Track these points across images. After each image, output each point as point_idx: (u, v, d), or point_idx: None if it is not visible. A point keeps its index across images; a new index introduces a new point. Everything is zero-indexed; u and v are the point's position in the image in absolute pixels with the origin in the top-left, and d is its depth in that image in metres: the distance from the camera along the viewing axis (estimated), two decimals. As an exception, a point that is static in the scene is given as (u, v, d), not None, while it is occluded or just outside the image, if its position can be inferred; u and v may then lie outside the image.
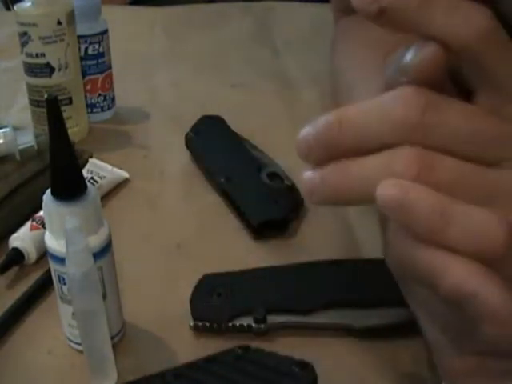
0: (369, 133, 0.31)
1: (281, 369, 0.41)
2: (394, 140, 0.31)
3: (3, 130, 0.67)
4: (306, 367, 0.41)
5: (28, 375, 0.47)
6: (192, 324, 0.49)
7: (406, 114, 0.30)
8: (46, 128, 0.42)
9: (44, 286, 0.54)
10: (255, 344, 0.45)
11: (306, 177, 0.33)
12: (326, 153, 0.33)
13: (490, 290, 0.29)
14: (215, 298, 0.50)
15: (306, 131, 0.34)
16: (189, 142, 0.72)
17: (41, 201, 0.44)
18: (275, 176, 0.65)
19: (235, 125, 0.73)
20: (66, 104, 0.73)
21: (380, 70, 0.58)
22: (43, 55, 0.70)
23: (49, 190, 0.44)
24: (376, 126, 0.31)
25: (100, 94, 0.79)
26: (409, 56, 0.32)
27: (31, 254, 0.56)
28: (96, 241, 0.45)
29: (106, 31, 0.77)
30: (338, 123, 0.32)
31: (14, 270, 0.56)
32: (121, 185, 0.68)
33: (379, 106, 0.31)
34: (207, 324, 0.49)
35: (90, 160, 0.69)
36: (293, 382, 0.39)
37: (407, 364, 0.46)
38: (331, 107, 0.33)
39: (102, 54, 0.77)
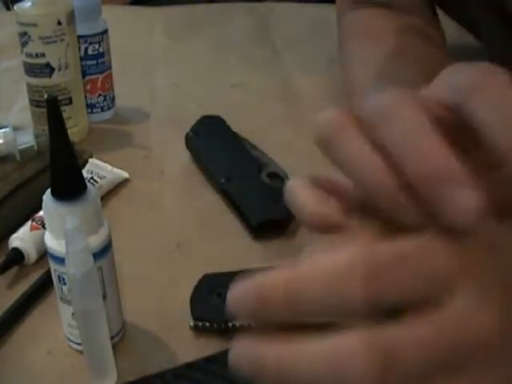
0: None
1: None
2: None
3: (3, 130, 0.67)
4: None
5: (28, 375, 0.47)
6: (192, 324, 0.49)
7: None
8: (46, 128, 0.42)
9: (44, 285, 0.54)
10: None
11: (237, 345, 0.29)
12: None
13: None
14: (215, 298, 0.50)
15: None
16: (189, 142, 0.72)
17: (41, 201, 0.44)
18: (275, 176, 0.65)
19: (235, 125, 0.73)
20: (66, 104, 0.73)
21: (379, 69, 0.58)
22: (43, 55, 0.70)
23: (49, 190, 0.44)
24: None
25: (100, 94, 0.79)
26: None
27: (31, 254, 0.56)
28: (96, 241, 0.45)
29: (105, 31, 0.77)
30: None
31: (14, 270, 0.56)
32: (121, 185, 0.68)
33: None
34: (207, 324, 0.49)
35: (90, 160, 0.69)
36: None
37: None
38: (331, 106, 0.32)
39: (101, 54, 0.77)
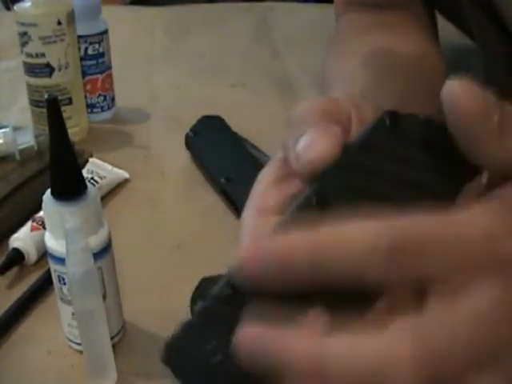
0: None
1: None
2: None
3: (3, 130, 0.67)
4: None
5: (28, 375, 0.47)
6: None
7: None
8: (46, 128, 0.42)
9: (44, 286, 0.54)
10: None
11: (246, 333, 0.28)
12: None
13: None
14: None
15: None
16: (189, 142, 0.72)
17: (41, 201, 0.44)
18: (275, 176, 0.65)
19: (235, 125, 0.73)
20: (66, 104, 0.73)
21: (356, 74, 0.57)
22: (43, 55, 0.70)
23: (49, 190, 0.44)
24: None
25: (100, 94, 0.79)
26: (301, 146, 0.32)
27: (31, 255, 0.56)
28: (96, 241, 0.45)
29: (106, 31, 0.77)
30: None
31: (14, 270, 0.56)
32: (121, 185, 0.68)
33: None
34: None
35: (90, 160, 0.69)
36: None
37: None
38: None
39: (101, 54, 0.77)
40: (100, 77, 0.78)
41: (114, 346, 0.46)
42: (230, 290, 0.29)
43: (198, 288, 0.52)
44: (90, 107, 0.79)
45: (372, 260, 0.27)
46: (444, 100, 0.29)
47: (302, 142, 0.32)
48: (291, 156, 0.33)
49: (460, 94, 0.29)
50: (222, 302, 0.29)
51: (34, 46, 0.70)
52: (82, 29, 0.75)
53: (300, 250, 0.27)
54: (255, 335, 0.27)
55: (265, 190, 0.35)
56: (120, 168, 0.69)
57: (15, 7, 0.70)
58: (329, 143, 0.31)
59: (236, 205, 0.63)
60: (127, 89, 0.84)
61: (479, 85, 0.29)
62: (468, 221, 0.27)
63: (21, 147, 0.66)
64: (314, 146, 0.32)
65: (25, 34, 0.70)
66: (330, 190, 0.30)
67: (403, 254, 0.27)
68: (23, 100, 0.77)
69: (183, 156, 0.72)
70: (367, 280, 0.27)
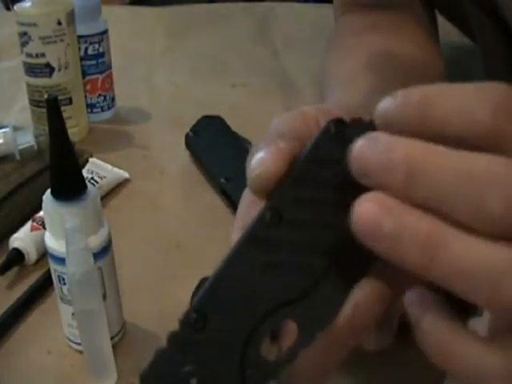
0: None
1: None
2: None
3: (3, 130, 0.67)
4: None
5: (28, 375, 0.47)
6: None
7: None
8: (46, 128, 0.42)
9: (44, 286, 0.54)
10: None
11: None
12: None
13: None
14: None
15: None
16: (189, 142, 0.72)
17: (41, 201, 0.44)
18: (275, 176, 0.65)
19: (235, 125, 0.73)
20: (66, 104, 0.73)
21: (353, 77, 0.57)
22: (43, 55, 0.70)
23: (49, 190, 0.44)
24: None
25: (100, 94, 0.79)
26: (251, 164, 0.32)
27: (31, 255, 0.56)
28: (96, 241, 0.45)
29: (106, 31, 0.77)
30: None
31: (14, 270, 0.56)
32: (121, 185, 0.68)
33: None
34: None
35: (90, 160, 0.69)
36: None
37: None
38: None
39: (101, 54, 0.77)
40: (100, 77, 0.78)
41: (114, 346, 0.46)
42: (195, 315, 0.30)
43: (197, 288, 0.51)
44: (90, 107, 0.79)
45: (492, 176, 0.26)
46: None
47: (252, 161, 0.33)
48: (247, 175, 0.34)
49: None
50: (190, 327, 0.30)
51: (34, 46, 0.70)
52: (82, 29, 0.75)
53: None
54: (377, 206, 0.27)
55: (247, 207, 0.36)
56: (120, 168, 0.69)
57: (15, 7, 0.70)
58: (275, 159, 0.32)
59: (236, 205, 0.62)
60: (127, 89, 0.85)
61: None
62: None
63: (21, 147, 0.66)
64: (260, 162, 0.32)
65: (25, 34, 0.70)
66: (282, 204, 0.30)
67: None
68: (23, 100, 0.77)
69: (183, 156, 0.72)
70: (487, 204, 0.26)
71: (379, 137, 0.28)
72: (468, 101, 0.28)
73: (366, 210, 0.27)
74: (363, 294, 0.30)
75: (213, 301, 0.31)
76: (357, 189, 0.29)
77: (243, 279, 0.31)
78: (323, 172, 0.31)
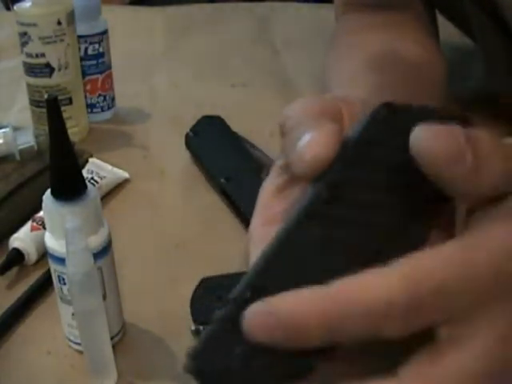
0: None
1: None
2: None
3: (3, 130, 0.67)
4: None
5: (28, 375, 0.47)
6: (193, 328, 0.49)
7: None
8: (46, 128, 0.42)
9: (44, 286, 0.54)
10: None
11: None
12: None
13: None
14: (215, 301, 0.50)
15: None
16: (189, 142, 0.72)
17: (41, 201, 0.44)
18: (275, 176, 0.65)
19: (235, 125, 0.73)
20: (66, 104, 0.73)
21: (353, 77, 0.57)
22: (43, 55, 0.70)
23: (49, 190, 0.44)
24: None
25: (100, 94, 0.79)
26: (301, 146, 0.32)
27: (31, 255, 0.56)
28: (96, 241, 0.45)
29: (105, 31, 0.77)
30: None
31: (14, 270, 0.56)
32: (121, 185, 0.68)
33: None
34: (209, 327, 0.49)
35: (90, 160, 0.69)
36: None
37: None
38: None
39: (101, 54, 0.77)
40: (100, 77, 0.78)
41: (114, 346, 0.46)
42: (249, 293, 0.29)
43: (197, 288, 0.52)
44: (90, 107, 0.79)
45: (389, 316, 0.26)
46: (413, 152, 0.29)
47: (302, 143, 0.32)
48: (293, 158, 0.33)
49: (426, 144, 0.29)
50: (242, 306, 0.28)
51: (34, 46, 0.70)
52: (82, 29, 0.75)
53: (311, 318, 0.27)
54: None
55: (269, 199, 0.35)
56: (120, 168, 0.69)
57: (15, 7, 0.70)
58: (328, 141, 0.32)
59: (236, 205, 0.63)
60: (127, 89, 0.84)
61: (448, 122, 0.30)
62: (473, 257, 0.27)
63: (21, 147, 0.66)
64: (314, 144, 0.32)
65: (25, 34, 0.70)
66: (337, 183, 0.31)
67: (421, 305, 0.27)
68: (23, 100, 0.77)
69: (183, 156, 0.72)
70: (384, 335, 0.27)
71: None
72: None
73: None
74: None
75: (269, 277, 0.29)
76: (411, 171, 0.29)
77: (301, 254, 0.30)
78: (376, 153, 0.31)
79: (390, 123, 0.31)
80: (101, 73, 0.78)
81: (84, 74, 0.76)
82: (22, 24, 0.70)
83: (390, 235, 0.30)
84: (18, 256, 0.56)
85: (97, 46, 0.77)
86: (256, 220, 0.35)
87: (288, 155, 0.34)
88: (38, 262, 0.57)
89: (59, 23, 0.70)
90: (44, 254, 0.53)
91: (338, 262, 0.30)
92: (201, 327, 0.49)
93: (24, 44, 0.70)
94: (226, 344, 0.28)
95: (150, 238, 0.61)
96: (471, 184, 0.29)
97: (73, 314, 0.46)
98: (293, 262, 0.30)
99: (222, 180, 0.65)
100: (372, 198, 0.31)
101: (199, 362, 0.28)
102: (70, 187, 0.44)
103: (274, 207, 0.34)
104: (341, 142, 0.32)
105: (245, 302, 0.28)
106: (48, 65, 0.71)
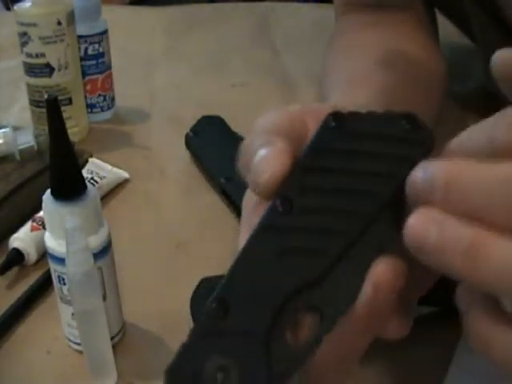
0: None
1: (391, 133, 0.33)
2: None
3: (3, 130, 0.67)
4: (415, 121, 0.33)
5: (28, 375, 0.47)
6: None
7: None
8: (46, 128, 0.42)
9: (44, 286, 0.54)
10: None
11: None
12: None
13: None
14: None
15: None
16: (189, 142, 0.72)
17: (41, 201, 0.44)
18: (275, 176, 0.65)
19: (235, 125, 0.73)
20: (66, 104, 0.73)
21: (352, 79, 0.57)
22: (43, 55, 0.70)
23: (49, 190, 0.44)
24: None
25: (100, 94, 0.79)
26: (253, 172, 0.34)
27: (31, 255, 0.56)
28: (96, 241, 0.45)
29: (105, 31, 0.77)
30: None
31: (14, 270, 0.56)
32: (121, 185, 0.68)
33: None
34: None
35: (90, 160, 0.69)
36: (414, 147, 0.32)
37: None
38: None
39: (101, 54, 0.77)
40: (100, 77, 0.78)
41: (114, 346, 0.46)
42: (216, 304, 0.31)
43: (197, 288, 0.52)
44: (90, 107, 0.79)
45: None
46: (494, 69, 0.30)
47: (255, 164, 0.34)
48: (249, 180, 0.35)
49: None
50: (212, 317, 0.31)
51: (34, 46, 0.70)
52: (82, 29, 0.75)
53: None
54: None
55: (252, 215, 0.36)
56: (120, 168, 0.69)
57: (15, 7, 0.70)
58: (279, 159, 0.33)
59: (236, 205, 0.63)
60: (127, 89, 0.85)
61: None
62: None
63: (21, 147, 0.66)
64: (266, 164, 0.33)
65: (25, 34, 0.70)
66: (291, 193, 0.32)
67: None
68: (23, 100, 0.77)
69: (183, 156, 0.72)
70: None
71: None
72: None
73: (415, 222, 0.28)
74: (381, 271, 0.30)
75: (233, 289, 0.31)
76: (361, 176, 0.31)
77: (261, 266, 0.31)
78: (327, 162, 0.32)
79: (339, 132, 0.33)
80: (101, 73, 0.78)
81: (84, 74, 0.76)
82: (22, 24, 0.70)
83: (350, 239, 0.31)
84: (17, 256, 0.56)
85: (97, 46, 0.77)
86: (242, 232, 0.36)
87: (244, 175, 0.35)
88: (37, 262, 0.57)
89: (59, 23, 0.70)
90: (44, 254, 0.53)
91: (298, 269, 0.31)
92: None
93: (24, 44, 0.70)
94: (198, 357, 0.30)
95: (150, 238, 0.61)
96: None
97: (73, 314, 0.46)
98: (253, 272, 0.32)
99: (222, 180, 0.65)
100: (327, 205, 0.32)
101: (174, 377, 0.30)
102: (70, 187, 0.44)
103: (255, 218, 0.34)
104: (297, 155, 0.33)
105: (212, 315, 0.31)
106: (48, 65, 0.71)
